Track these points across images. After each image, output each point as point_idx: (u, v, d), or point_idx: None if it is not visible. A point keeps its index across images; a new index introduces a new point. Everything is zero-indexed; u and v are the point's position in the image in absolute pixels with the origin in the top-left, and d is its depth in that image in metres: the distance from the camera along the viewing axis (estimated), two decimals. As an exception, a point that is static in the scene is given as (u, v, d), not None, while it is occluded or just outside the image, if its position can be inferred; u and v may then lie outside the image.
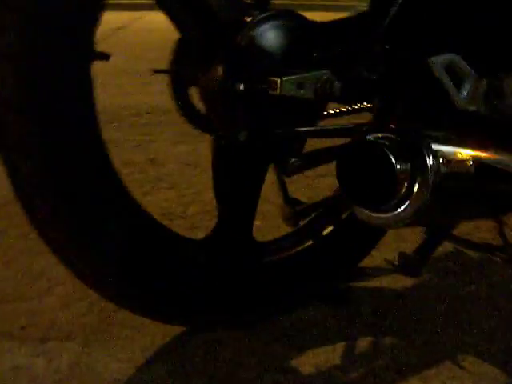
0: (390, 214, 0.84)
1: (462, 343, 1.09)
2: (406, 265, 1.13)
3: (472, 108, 0.98)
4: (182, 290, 1.02)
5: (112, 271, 0.94)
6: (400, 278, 1.30)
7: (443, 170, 0.84)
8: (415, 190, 0.83)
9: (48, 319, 1.15)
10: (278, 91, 0.88)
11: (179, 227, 1.51)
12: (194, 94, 1.00)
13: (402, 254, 1.17)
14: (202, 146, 2.21)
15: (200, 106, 1.00)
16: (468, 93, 0.97)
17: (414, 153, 0.83)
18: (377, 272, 1.33)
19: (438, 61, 0.95)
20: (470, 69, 0.97)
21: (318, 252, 1.19)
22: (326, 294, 1.23)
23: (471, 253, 1.43)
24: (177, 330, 1.12)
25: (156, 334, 1.11)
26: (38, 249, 1.40)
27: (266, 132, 0.97)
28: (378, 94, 1.00)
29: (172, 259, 1.00)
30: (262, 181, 1.07)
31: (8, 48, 0.77)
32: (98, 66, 0.86)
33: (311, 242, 1.19)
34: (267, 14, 0.95)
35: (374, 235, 1.27)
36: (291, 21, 0.98)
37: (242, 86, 0.91)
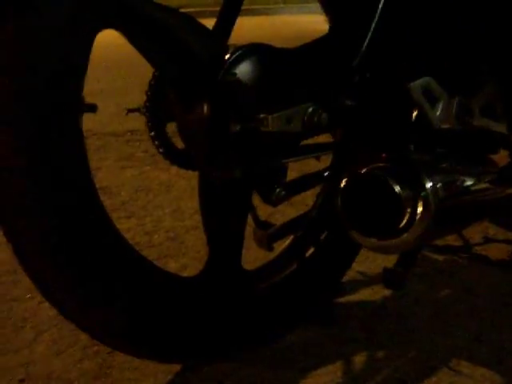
0: (395, 240, 0.89)
1: (453, 347, 1.15)
2: (390, 279, 1.17)
3: (446, 126, 1.03)
4: (178, 328, 1.03)
5: (106, 312, 0.94)
6: (377, 288, 1.35)
7: (441, 192, 0.89)
8: (418, 214, 0.87)
9: (44, 369, 1.13)
10: (270, 128, 0.91)
11: (149, 257, 1.50)
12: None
13: (385, 269, 1.21)
14: (147, 170, 2.21)
15: (176, 141, 1.01)
16: (442, 112, 1.02)
17: (414, 180, 0.87)
18: (354, 286, 1.37)
19: (416, 85, 0.99)
20: (442, 90, 1.02)
21: (302, 273, 1.23)
22: (314, 314, 1.26)
23: (436, 255, 1.50)
24: (177, 367, 1.13)
25: (157, 373, 1.11)
26: (12, 294, 1.38)
27: (257, 166, 0.99)
28: (359, 120, 1.04)
29: (168, 299, 1.01)
30: (247, 209, 1.09)
31: None
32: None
33: (295, 265, 1.22)
34: (243, 49, 0.97)
35: (352, 249, 1.31)
36: (268, 54, 1.00)
37: (232, 126, 0.93)
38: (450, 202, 0.92)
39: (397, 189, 0.86)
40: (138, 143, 2.57)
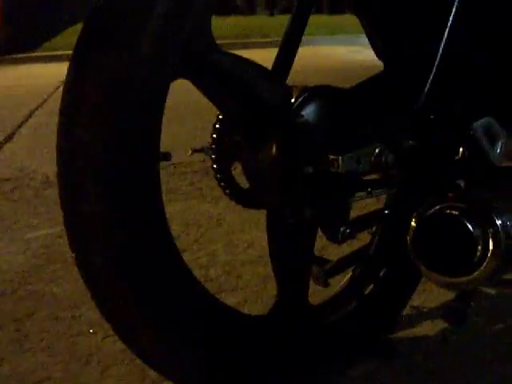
0: (468, 277, 0.91)
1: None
2: (452, 315, 1.18)
3: (507, 164, 1.06)
4: (252, 365, 1.05)
5: (184, 355, 0.97)
6: (437, 321, 1.37)
7: (510, 229, 0.91)
8: (489, 252, 0.89)
9: (117, 406, 1.16)
10: (341, 169, 0.94)
11: (208, 292, 1.54)
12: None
13: (446, 306, 1.23)
14: (194, 203, 2.25)
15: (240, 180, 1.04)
16: (501, 150, 1.05)
17: (485, 219, 0.90)
18: (415, 319, 1.39)
19: (478, 125, 1.02)
20: (502, 129, 1.05)
21: (362, 308, 1.25)
22: (375, 347, 1.28)
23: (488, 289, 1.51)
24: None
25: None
26: (75, 330, 1.42)
27: (326, 205, 1.03)
28: (423, 160, 1.07)
29: (246, 340, 1.04)
30: (313, 246, 1.12)
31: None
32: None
33: (355, 302, 1.24)
34: (309, 91, 1.00)
35: (411, 282, 1.33)
36: (333, 95, 1.04)
37: (303, 167, 0.96)
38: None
39: (470, 227, 0.88)
40: (182, 176, 2.61)
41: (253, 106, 0.96)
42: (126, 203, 0.84)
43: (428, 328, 1.37)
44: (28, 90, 5.38)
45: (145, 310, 0.90)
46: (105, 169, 0.81)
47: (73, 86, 0.81)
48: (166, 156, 0.97)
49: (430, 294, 1.50)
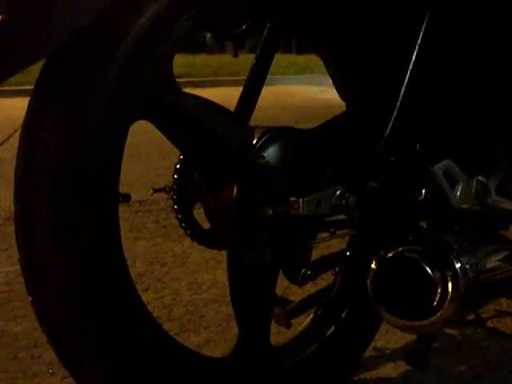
0: (428, 320, 0.91)
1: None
2: (414, 357, 1.18)
3: (466, 206, 1.07)
4: None
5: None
6: (400, 362, 1.37)
7: (469, 272, 0.92)
8: (449, 295, 0.90)
9: None
10: (300, 211, 0.95)
11: (171, 331, 1.52)
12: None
13: (408, 349, 1.23)
14: (159, 241, 2.24)
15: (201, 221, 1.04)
16: (461, 193, 1.06)
17: (445, 261, 0.91)
18: (377, 360, 1.39)
19: (438, 168, 1.04)
20: (461, 172, 1.07)
21: (325, 349, 1.25)
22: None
23: (451, 330, 1.53)
24: None
25: None
26: (33, 370, 1.40)
27: (286, 247, 1.03)
28: (383, 202, 1.08)
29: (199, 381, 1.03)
30: (274, 287, 1.12)
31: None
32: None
33: (317, 343, 1.24)
34: (271, 133, 1.01)
35: (374, 323, 1.33)
36: (294, 137, 1.05)
37: (264, 208, 0.97)
38: (477, 280, 0.95)
39: (429, 271, 0.89)
40: (147, 214, 2.60)
41: (213, 146, 0.97)
42: (82, 246, 0.83)
43: (391, 369, 1.36)
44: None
45: (101, 355, 0.88)
46: (60, 211, 0.81)
47: (31, 126, 0.81)
48: (126, 197, 0.96)
49: (393, 334, 1.50)
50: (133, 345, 0.90)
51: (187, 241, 2.12)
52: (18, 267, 0.88)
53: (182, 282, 1.90)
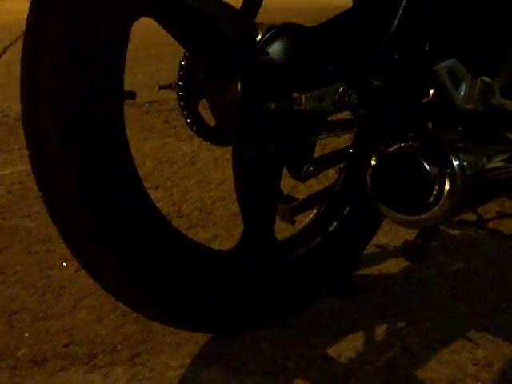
0: (424, 215, 0.94)
1: (475, 315, 1.23)
2: (412, 252, 1.22)
3: (469, 106, 1.08)
4: (215, 298, 1.09)
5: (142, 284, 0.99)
6: (401, 260, 1.41)
7: (467, 170, 0.94)
8: (446, 191, 0.92)
9: (87, 334, 1.19)
10: (304, 107, 0.96)
11: (180, 227, 1.56)
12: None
13: (406, 242, 1.26)
14: (169, 141, 2.26)
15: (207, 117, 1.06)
16: (465, 92, 1.07)
17: (442, 158, 0.92)
18: (379, 257, 1.44)
19: (442, 66, 1.04)
20: (466, 71, 1.07)
21: (327, 245, 1.29)
22: (337, 285, 1.33)
23: (453, 230, 1.56)
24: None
25: (198, 337, 1.17)
26: (48, 263, 1.45)
27: (290, 143, 1.05)
28: (386, 100, 1.09)
29: (208, 273, 1.07)
30: (279, 182, 1.14)
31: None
32: None
33: (321, 238, 1.28)
34: (275, 29, 1.01)
35: (375, 220, 1.37)
36: (299, 33, 1.04)
37: (268, 104, 0.98)
38: (475, 179, 0.97)
39: (427, 166, 0.91)
40: (157, 114, 2.61)
41: (217, 43, 0.97)
42: (88, 140, 0.85)
43: (392, 265, 1.41)
44: (0, 26, 5.28)
45: (112, 249, 0.92)
46: (66, 105, 0.82)
47: (34, 23, 0.82)
48: (131, 94, 0.97)
49: (396, 233, 1.54)
50: (143, 240, 0.94)
51: (197, 140, 2.16)
52: (30, 166, 0.90)
53: (192, 180, 1.93)
